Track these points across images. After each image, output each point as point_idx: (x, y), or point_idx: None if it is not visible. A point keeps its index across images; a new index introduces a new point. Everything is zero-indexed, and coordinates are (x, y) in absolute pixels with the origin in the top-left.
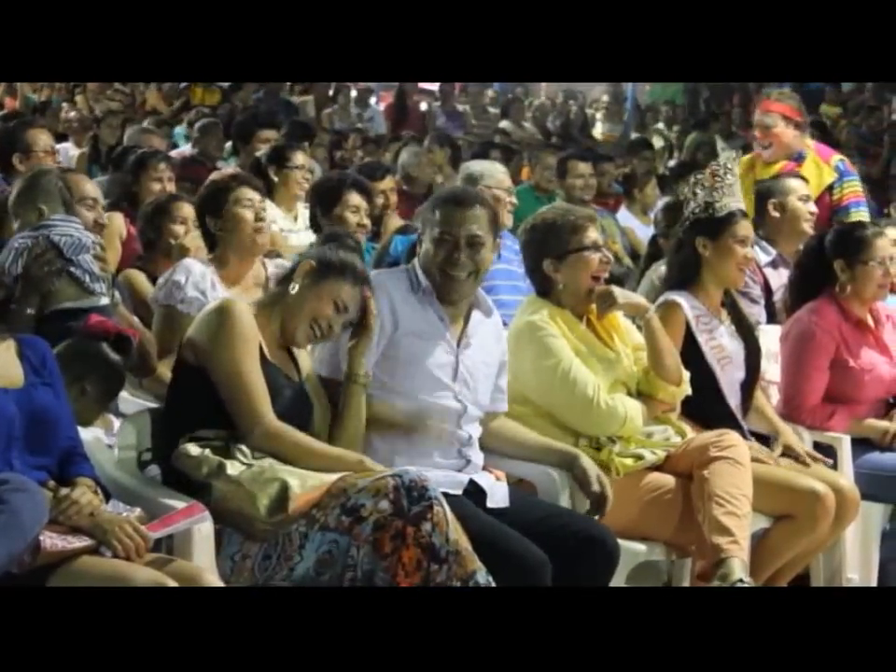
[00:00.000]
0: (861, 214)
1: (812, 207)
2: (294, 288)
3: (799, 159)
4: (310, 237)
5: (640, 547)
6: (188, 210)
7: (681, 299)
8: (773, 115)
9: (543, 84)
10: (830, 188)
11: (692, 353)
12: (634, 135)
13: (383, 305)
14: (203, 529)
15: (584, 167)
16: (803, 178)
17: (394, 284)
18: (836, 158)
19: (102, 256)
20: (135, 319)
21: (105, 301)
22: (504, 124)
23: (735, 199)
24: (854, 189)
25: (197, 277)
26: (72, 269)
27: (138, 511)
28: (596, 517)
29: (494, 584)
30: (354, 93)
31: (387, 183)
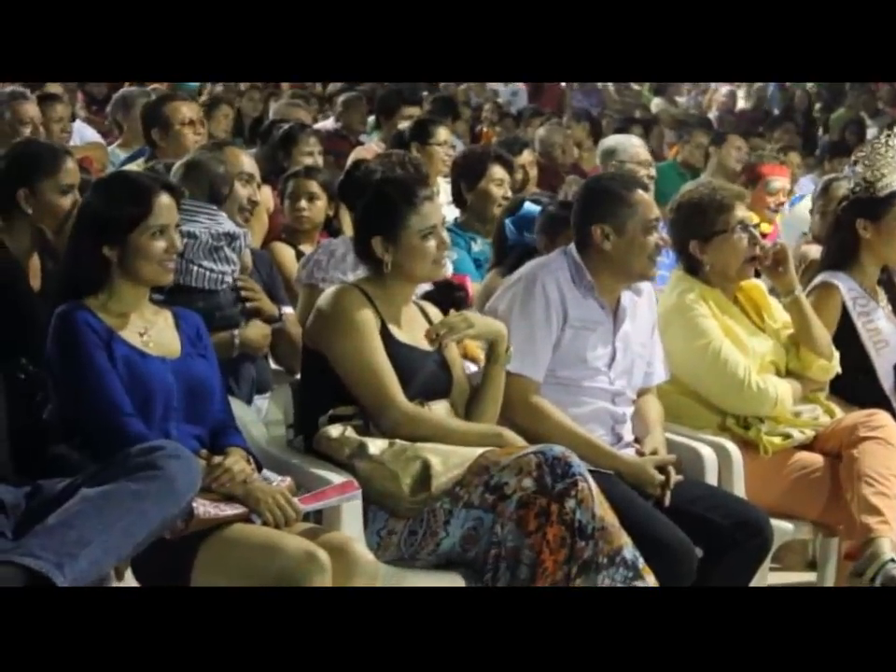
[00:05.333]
0: None
1: None
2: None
3: None
4: (452, 212)
5: (788, 526)
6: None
7: (838, 281)
8: None
9: None
10: None
11: (847, 335)
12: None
13: (554, 299)
14: (353, 503)
15: (740, 141)
16: None
17: (562, 276)
18: None
19: (227, 257)
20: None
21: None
22: (657, 101)
23: None
24: None
25: (339, 258)
26: (193, 268)
27: (289, 480)
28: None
29: (641, 560)
30: None
31: (525, 157)
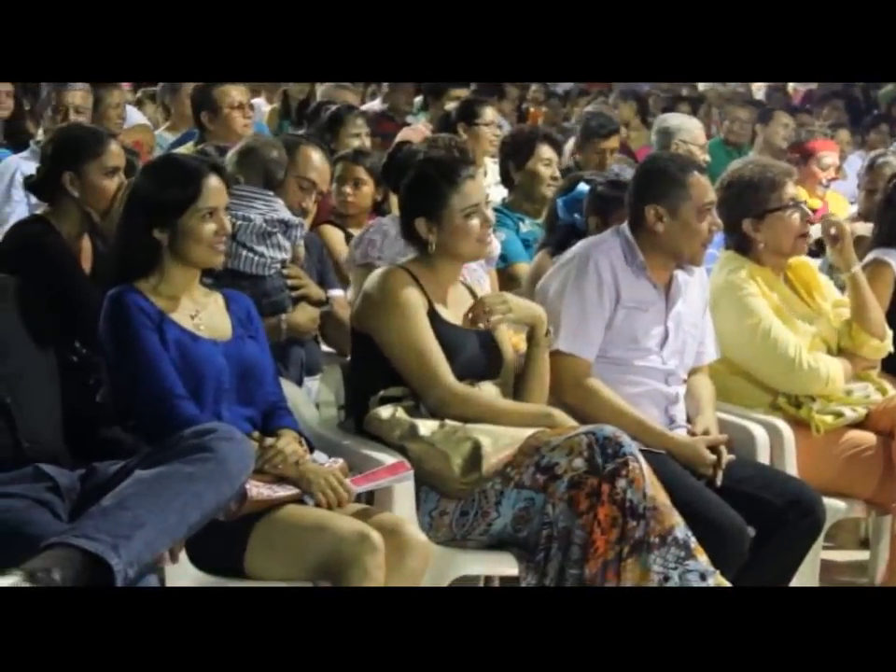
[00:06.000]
0: None
1: None
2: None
3: None
4: (500, 192)
5: (840, 504)
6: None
7: (891, 258)
8: None
9: None
10: None
11: None
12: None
13: (607, 278)
14: (405, 483)
15: (787, 118)
16: None
17: (615, 255)
18: None
19: (279, 243)
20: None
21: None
22: None
23: None
24: None
25: (392, 237)
26: (242, 252)
27: (341, 461)
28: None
29: (693, 539)
30: None
31: (613, 142)
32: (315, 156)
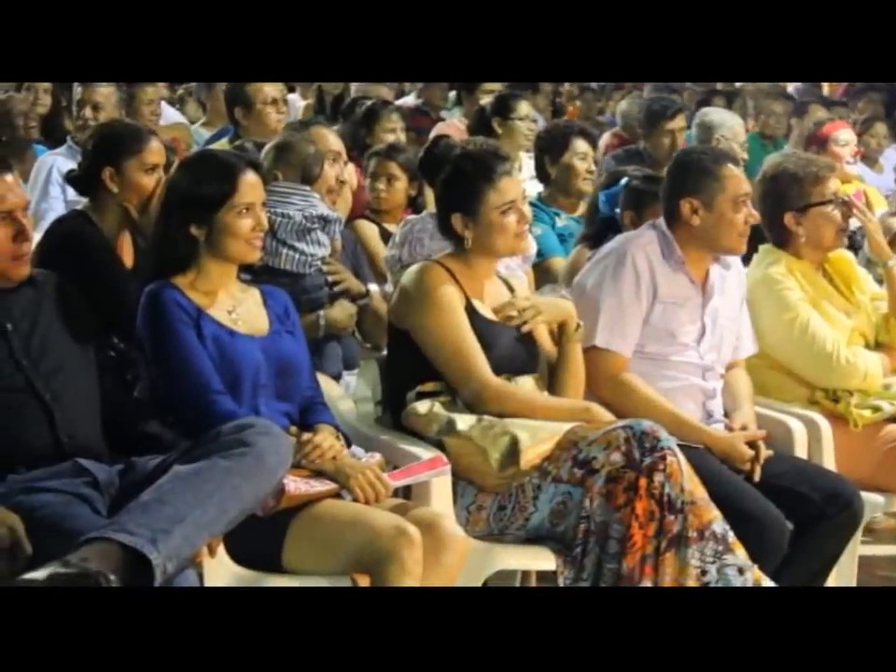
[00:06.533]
0: None
1: None
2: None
3: None
4: (536, 186)
5: (879, 499)
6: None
7: None
8: None
9: None
10: None
11: None
12: None
13: (644, 274)
14: (442, 478)
15: (822, 111)
16: None
17: (653, 250)
18: None
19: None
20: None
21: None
22: None
23: None
24: None
25: (439, 236)
26: (283, 250)
27: (378, 456)
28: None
29: (731, 534)
30: None
31: (678, 123)
32: (326, 130)
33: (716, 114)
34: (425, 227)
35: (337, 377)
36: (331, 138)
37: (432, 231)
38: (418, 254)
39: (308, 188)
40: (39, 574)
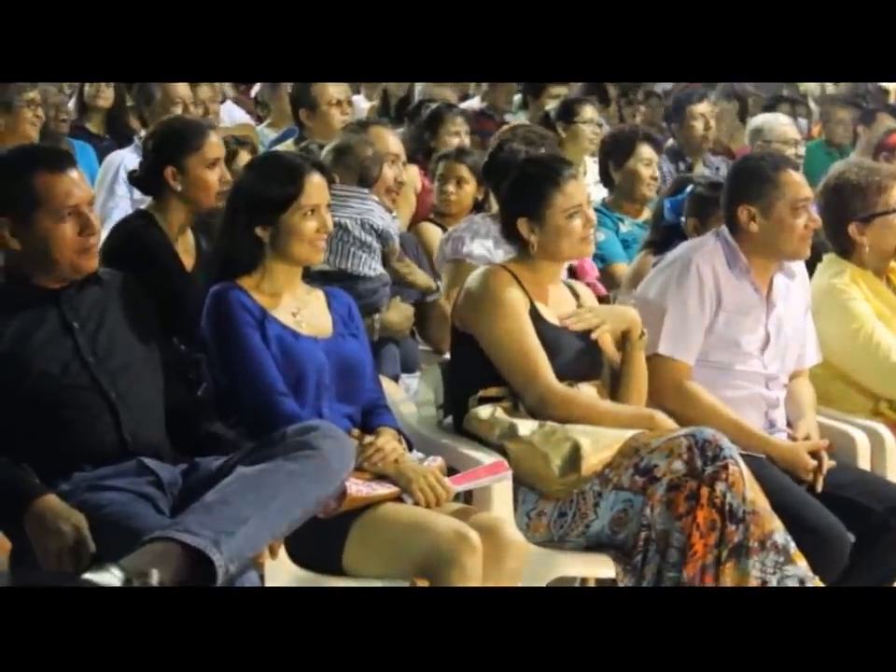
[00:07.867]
0: None
1: None
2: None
3: None
4: (600, 191)
5: None
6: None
7: None
8: None
9: None
10: None
11: None
12: None
13: (708, 283)
14: (504, 483)
15: (890, 119)
16: None
17: (717, 259)
18: None
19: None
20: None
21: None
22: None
23: None
24: None
25: (483, 234)
26: (331, 257)
27: (440, 460)
28: None
29: (792, 544)
30: None
31: (705, 107)
32: (385, 131)
33: (759, 118)
34: (469, 227)
35: (395, 380)
36: (390, 139)
37: (475, 232)
38: (459, 252)
39: (367, 190)
40: (102, 578)
